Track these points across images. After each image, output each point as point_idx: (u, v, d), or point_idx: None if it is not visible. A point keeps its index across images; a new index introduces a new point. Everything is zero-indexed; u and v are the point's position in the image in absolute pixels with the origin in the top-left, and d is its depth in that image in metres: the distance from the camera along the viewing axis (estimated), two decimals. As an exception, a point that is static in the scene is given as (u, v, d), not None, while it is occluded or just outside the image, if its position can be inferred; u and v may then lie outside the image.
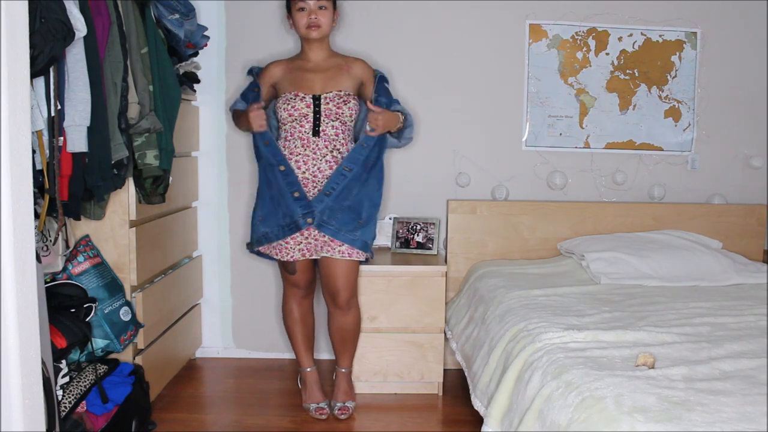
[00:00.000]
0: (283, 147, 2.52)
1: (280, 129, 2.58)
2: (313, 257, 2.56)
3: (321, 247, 2.52)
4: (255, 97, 2.55)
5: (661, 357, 1.82)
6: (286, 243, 2.52)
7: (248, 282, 3.28)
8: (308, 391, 2.70)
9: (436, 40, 3.19)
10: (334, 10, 2.55)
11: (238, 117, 2.60)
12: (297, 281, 2.63)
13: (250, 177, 3.21)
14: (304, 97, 2.49)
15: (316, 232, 2.50)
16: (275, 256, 2.57)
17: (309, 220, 2.47)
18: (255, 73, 2.65)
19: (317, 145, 2.49)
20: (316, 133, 2.48)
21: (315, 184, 2.50)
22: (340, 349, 2.71)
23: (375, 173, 2.59)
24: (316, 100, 2.48)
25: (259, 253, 2.64)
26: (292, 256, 2.54)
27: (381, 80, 2.60)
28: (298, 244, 2.52)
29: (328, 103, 2.48)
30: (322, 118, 2.48)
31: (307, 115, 2.48)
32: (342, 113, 2.50)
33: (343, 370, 2.73)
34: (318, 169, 2.49)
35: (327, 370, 3.11)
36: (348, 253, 2.51)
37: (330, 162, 2.50)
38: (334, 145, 2.50)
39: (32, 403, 1.44)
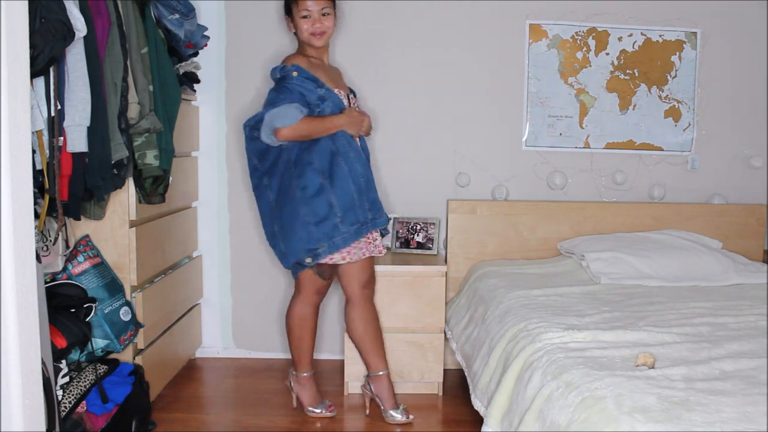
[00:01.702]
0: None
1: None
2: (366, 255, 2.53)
3: (366, 246, 2.52)
4: (323, 94, 2.42)
5: (661, 357, 1.82)
6: (357, 242, 2.49)
7: (248, 282, 3.28)
8: (309, 394, 2.68)
9: (436, 40, 3.19)
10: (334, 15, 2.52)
11: (313, 125, 2.39)
12: (323, 287, 2.59)
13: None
14: (345, 96, 2.54)
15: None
16: (344, 260, 2.47)
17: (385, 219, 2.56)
18: (281, 70, 2.45)
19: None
20: None
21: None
22: (377, 346, 2.59)
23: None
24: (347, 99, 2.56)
25: (319, 265, 2.48)
26: (365, 253, 2.52)
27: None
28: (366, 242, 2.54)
29: (356, 105, 2.59)
30: None
31: None
32: None
33: (381, 373, 2.59)
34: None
35: (327, 370, 3.11)
36: (382, 247, 2.58)
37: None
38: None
39: (32, 403, 1.44)
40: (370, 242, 2.53)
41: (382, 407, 2.60)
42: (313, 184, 2.39)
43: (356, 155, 2.48)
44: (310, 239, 2.40)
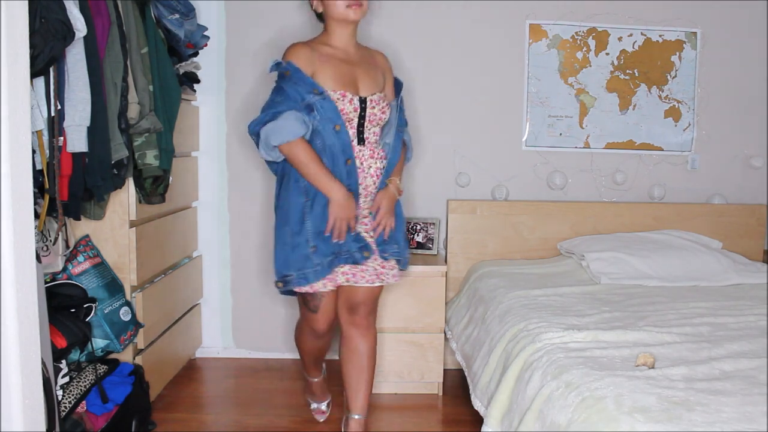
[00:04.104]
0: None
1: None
2: (358, 284, 2.19)
3: (364, 274, 2.18)
4: (312, 102, 2.03)
5: (661, 357, 1.82)
6: (336, 272, 2.16)
7: (248, 282, 3.28)
8: (316, 393, 2.62)
9: (436, 40, 3.19)
10: None
11: (306, 168, 2.05)
12: (317, 324, 2.21)
13: (250, 177, 3.21)
14: (353, 99, 2.07)
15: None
16: (308, 289, 2.13)
17: (366, 254, 2.14)
18: (277, 66, 2.12)
19: (363, 155, 2.12)
20: (361, 140, 2.11)
21: (364, 201, 2.17)
22: (357, 384, 2.26)
23: None
24: (362, 102, 2.10)
25: (291, 293, 2.20)
26: (350, 281, 2.17)
27: (400, 90, 2.31)
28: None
29: (373, 107, 2.11)
30: (366, 124, 2.12)
31: (352, 120, 2.09)
32: (382, 119, 2.16)
33: (357, 417, 2.26)
34: (365, 185, 2.15)
35: (329, 370, 3.10)
36: (395, 277, 2.22)
37: (374, 176, 2.16)
38: (378, 155, 2.17)
39: (32, 403, 1.44)
40: (360, 271, 2.18)
41: None
42: (296, 203, 2.10)
43: (350, 176, 2.10)
44: (285, 264, 2.11)
